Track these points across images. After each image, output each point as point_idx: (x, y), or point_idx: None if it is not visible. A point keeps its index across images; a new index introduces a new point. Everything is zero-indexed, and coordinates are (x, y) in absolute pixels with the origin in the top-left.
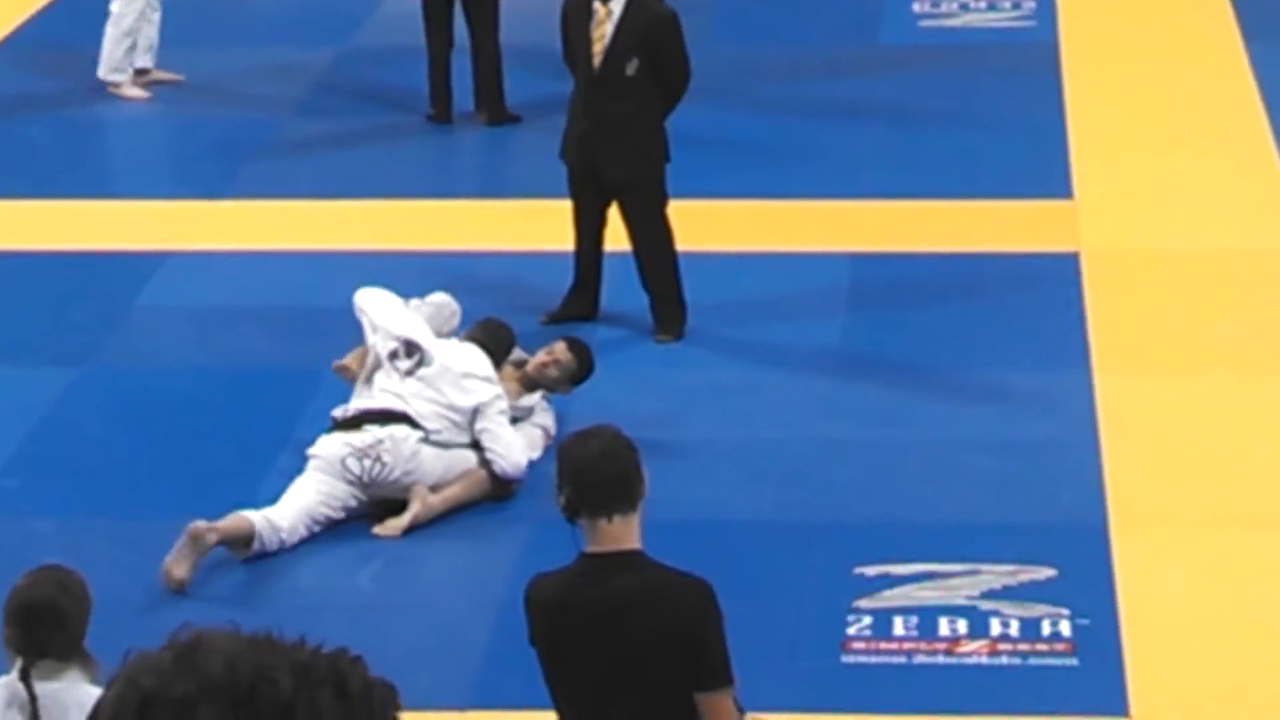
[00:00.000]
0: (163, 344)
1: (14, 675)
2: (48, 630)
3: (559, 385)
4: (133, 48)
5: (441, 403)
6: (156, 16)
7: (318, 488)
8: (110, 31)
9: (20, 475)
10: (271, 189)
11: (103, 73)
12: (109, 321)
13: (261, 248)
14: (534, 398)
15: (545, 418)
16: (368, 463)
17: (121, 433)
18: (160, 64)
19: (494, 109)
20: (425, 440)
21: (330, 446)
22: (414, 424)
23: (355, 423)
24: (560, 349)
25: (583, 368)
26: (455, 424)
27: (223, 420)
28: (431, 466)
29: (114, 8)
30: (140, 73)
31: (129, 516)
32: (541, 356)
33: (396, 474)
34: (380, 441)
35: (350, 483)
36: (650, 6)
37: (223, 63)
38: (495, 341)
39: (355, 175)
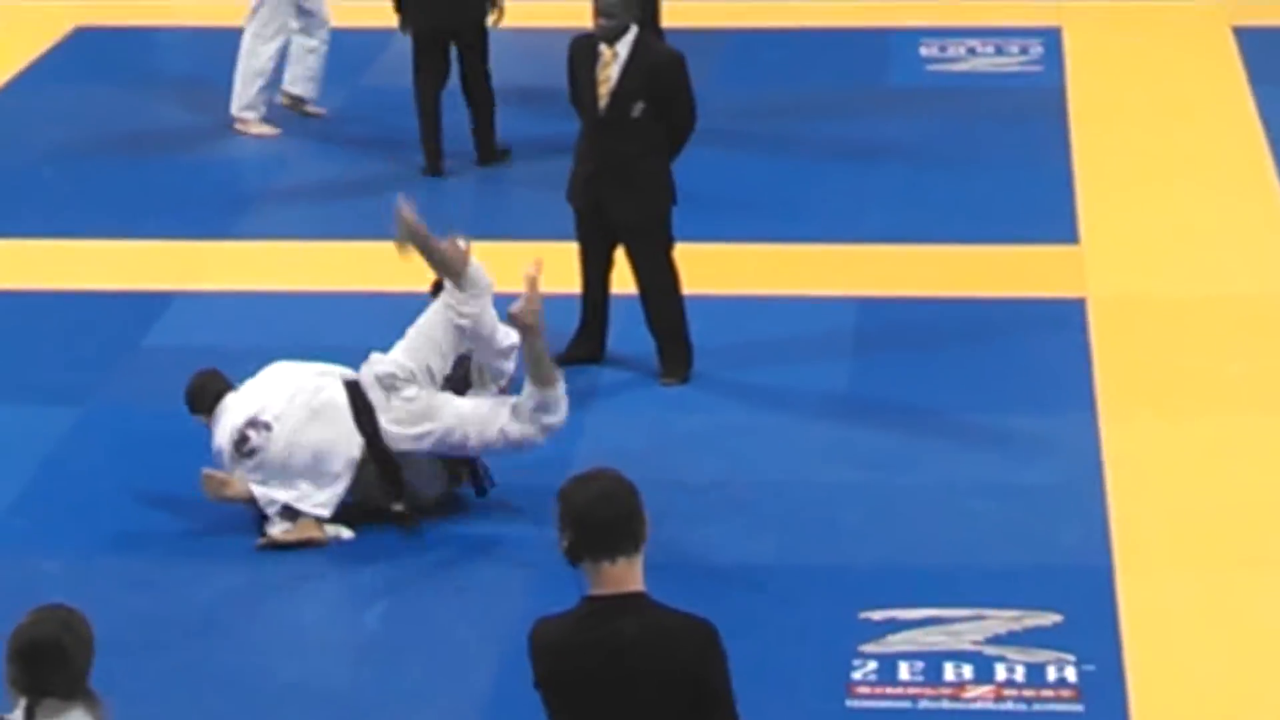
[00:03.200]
0: (169, 384)
1: (18, 715)
2: (51, 669)
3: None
4: (266, 86)
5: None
6: (323, 49)
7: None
8: (242, 68)
9: (26, 514)
10: (278, 230)
11: (235, 110)
12: (115, 361)
13: (268, 288)
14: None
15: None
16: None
17: (127, 472)
18: (180, 104)
19: (486, 150)
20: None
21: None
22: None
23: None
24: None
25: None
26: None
27: None
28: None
29: (245, 44)
30: (296, 100)
31: (134, 555)
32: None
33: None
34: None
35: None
36: (656, 49)
37: (229, 100)
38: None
39: (361, 216)
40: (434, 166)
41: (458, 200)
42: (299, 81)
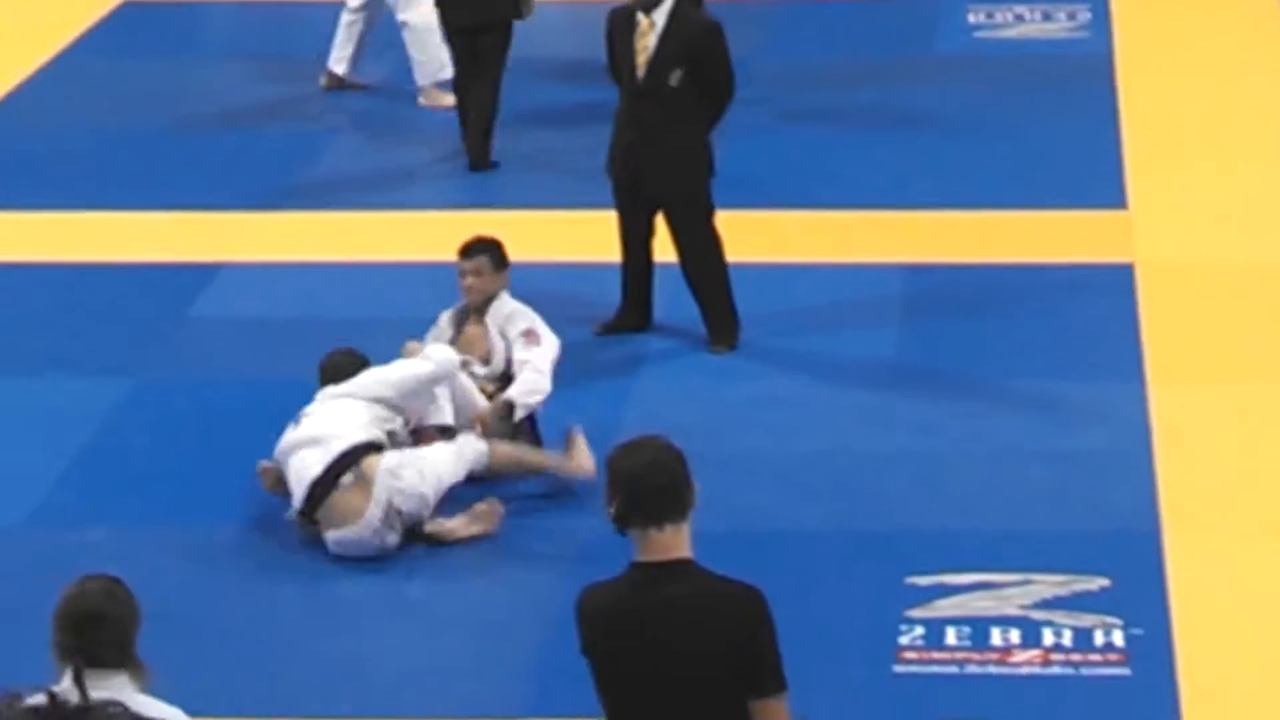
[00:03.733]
0: (215, 355)
1: (66, 682)
2: (99, 637)
3: (495, 282)
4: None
5: (343, 409)
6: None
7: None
8: (411, 40)
9: (75, 486)
10: (325, 201)
11: (422, 81)
12: (162, 332)
13: (315, 259)
14: (494, 316)
15: (525, 320)
16: (398, 525)
17: (174, 443)
18: (225, 78)
19: (478, 154)
20: (392, 445)
21: (353, 545)
22: (374, 450)
23: (323, 492)
24: (463, 264)
25: (491, 251)
26: (372, 413)
27: (274, 431)
28: (434, 468)
29: (406, 18)
30: (333, 77)
31: (181, 526)
32: (462, 284)
33: (430, 500)
34: (390, 504)
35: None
36: (694, 17)
37: (281, 75)
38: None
39: (406, 186)
40: (479, 161)
41: (501, 172)
42: (341, 62)
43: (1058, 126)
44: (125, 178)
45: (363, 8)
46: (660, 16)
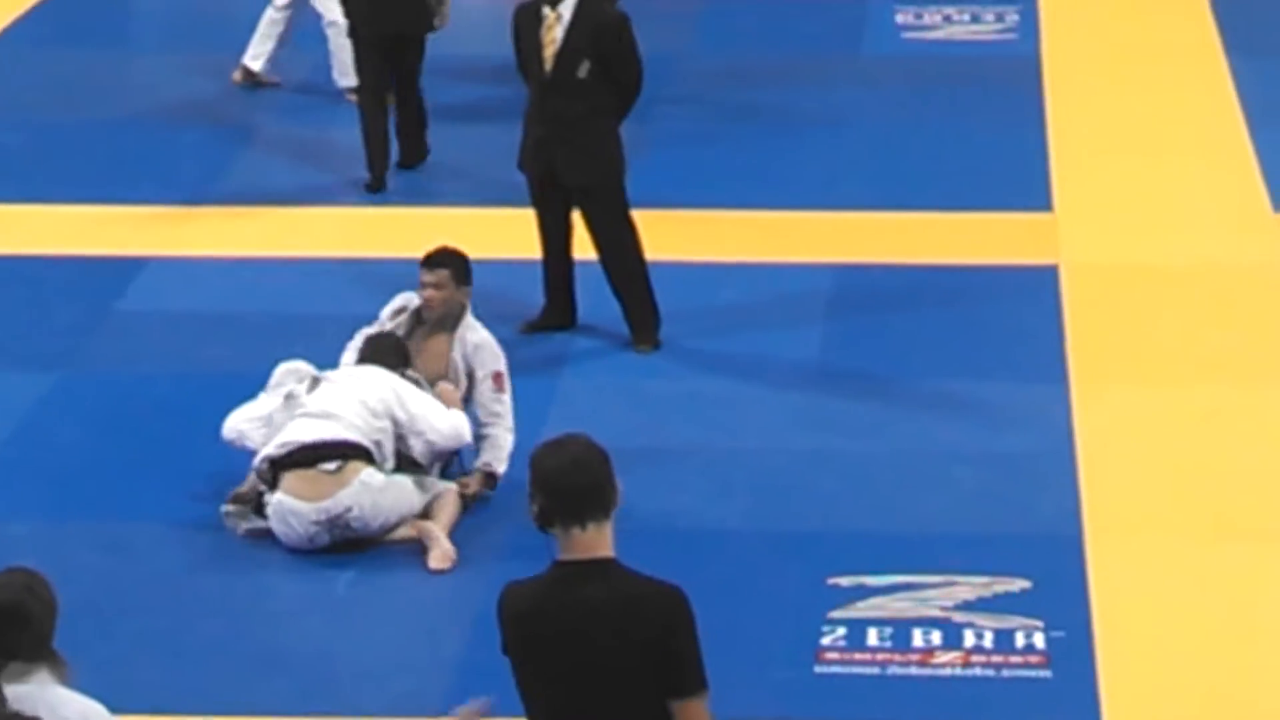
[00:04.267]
0: (142, 349)
1: None
2: (15, 632)
3: (458, 296)
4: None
5: (356, 397)
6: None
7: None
8: (337, 39)
9: None
10: (252, 195)
11: (343, 82)
12: (89, 326)
13: (242, 254)
14: (461, 344)
15: (496, 361)
16: (337, 532)
17: (100, 437)
18: (154, 71)
19: (411, 152)
20: (384, 471)
21: (295, 519)
22: (364, 456)
23: (304, 460)
24: (425, 275)
25: (456, 265)
26: (376, 416)
27: (201, 426)
28: (396, 503)
29: (336, 18)
30: (248, 73)
31: (108, 520)
32: (421, 295)
33: (374, 527)
34: (348, 509)
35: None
36: (600, 9)
37: (210, 68)
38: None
39: (334, 181)
40: (378, 180)
41: (425, 169)
42: (259, 59)
43: (984, 128)
44: (50, 171)
45: (288, 6)
46: (566, 9)
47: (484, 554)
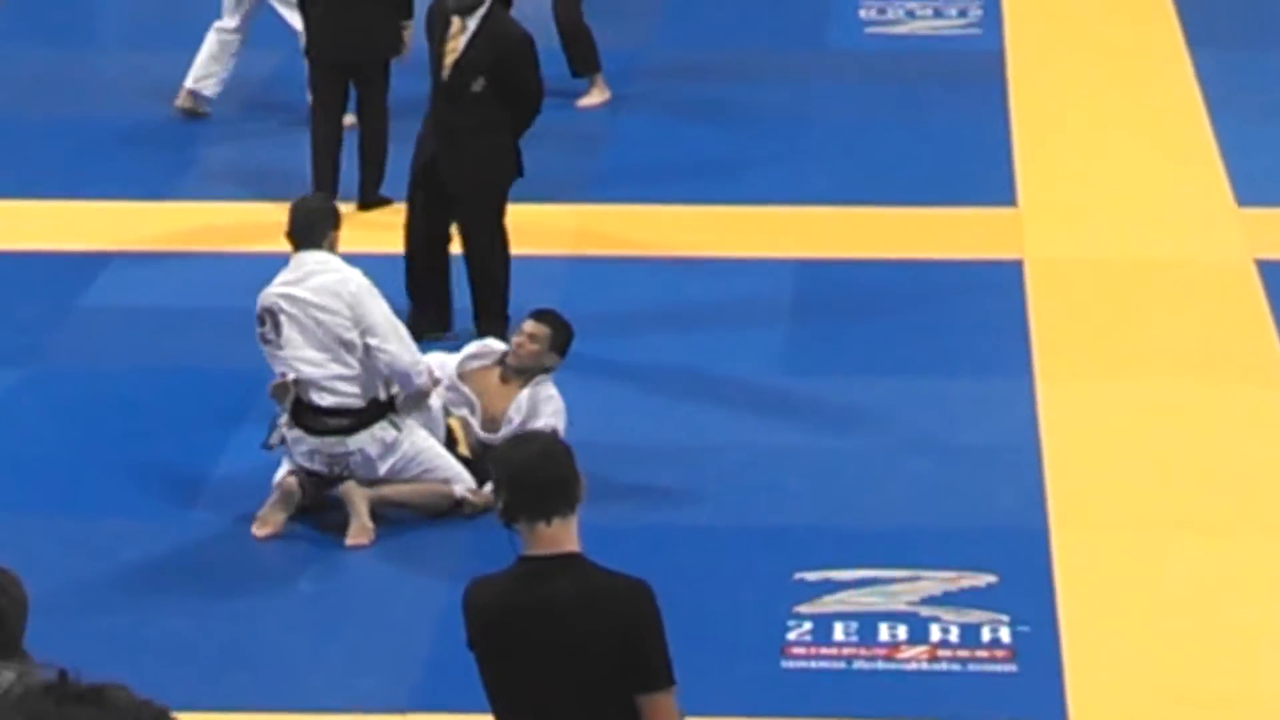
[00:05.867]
0: (106, 344)
1: None
2: None
3: (545, 359)
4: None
5: (323, 339)
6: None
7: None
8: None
9: None
10: (216, 191)
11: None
12: (52, 322)
13: (205, 249)
14: (533, 390)
15: (554, 417)
16: (336, 469)
17: (63, 433)
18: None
19: (370, 192)
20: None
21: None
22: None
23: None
24: (529, 325)
25: (560, 333)
26: (345, 348)
27: (166, 421)
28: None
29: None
30: (201, 99)
31: (71, 516)
32: (515, 339)
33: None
34: (350, 453)
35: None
36: (505, 27)
37: (171, 64)
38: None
39: (295, 178)
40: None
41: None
42: (211, 81)
43: (948, 123)
44: (12, 167)
45: (238, 29)
46: (473, 21)
47: (449, 551)
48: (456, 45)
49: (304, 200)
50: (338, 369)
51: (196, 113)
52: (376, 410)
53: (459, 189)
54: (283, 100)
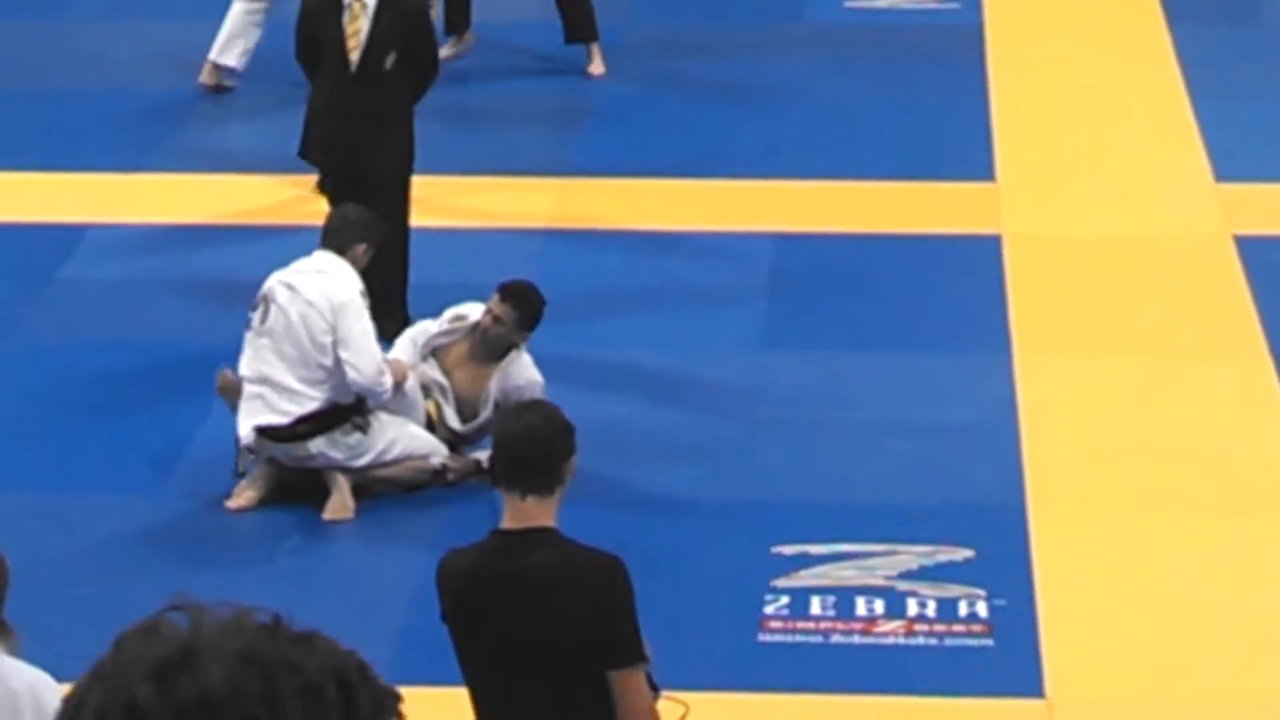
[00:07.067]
0: (84, 318)
1: None
2: None
3: (514, 337)
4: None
5: (299, 337)
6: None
7: None
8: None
9: None
10: (193, 163)
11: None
12: (29, 295)
13: (183, 221)
14: (503, 376)
15: (532, 387)
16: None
17: (40, 406)
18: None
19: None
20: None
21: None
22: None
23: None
24: (496, 305)
25: (528, 312)
26: (318, 350)
27: (144, 394)
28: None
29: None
30: (219, 68)
31: (47, 489)
32: (482, 320)
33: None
34: (313, 456)
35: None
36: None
37: (149, 35)
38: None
39: (277, 149)
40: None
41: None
42: (237, 55)
43: (927, 98)
44: None
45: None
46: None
47: (425, 525)
48: (359, 26)
49: (348, 206)
50: (303, 371)
51: (222, 87)
52: (335, 415)
53: (387, 172)
54: (265, 70)
